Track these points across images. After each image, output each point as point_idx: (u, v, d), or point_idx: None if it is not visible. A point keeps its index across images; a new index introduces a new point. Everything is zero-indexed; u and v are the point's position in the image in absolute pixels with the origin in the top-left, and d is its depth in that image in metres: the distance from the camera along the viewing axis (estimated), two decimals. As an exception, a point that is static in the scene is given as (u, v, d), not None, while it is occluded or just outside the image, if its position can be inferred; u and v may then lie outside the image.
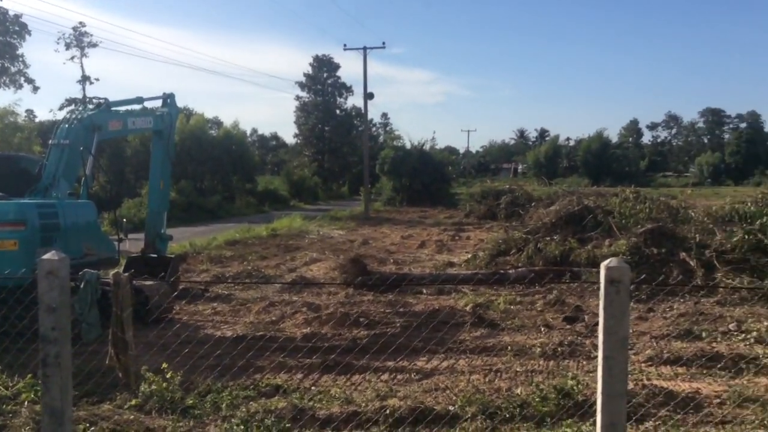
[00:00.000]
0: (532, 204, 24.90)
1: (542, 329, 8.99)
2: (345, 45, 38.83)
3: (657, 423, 4.96)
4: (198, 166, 42.95)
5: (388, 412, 5.50)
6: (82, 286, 6.94)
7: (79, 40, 53.09)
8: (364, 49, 37.39)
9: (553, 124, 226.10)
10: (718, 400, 5.65)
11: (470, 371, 7.08)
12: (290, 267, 15.37)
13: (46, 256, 3.35)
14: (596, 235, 15.18)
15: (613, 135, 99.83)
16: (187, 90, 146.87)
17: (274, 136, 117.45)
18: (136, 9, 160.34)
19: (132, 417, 5.51)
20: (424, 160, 44.77)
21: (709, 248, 12.73)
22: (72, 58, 53.72)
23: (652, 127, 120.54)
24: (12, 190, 9.26)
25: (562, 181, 68.93)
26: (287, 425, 5.27)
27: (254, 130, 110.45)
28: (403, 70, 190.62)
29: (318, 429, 5.31)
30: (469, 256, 16.21)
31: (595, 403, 2.87)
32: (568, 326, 9.16)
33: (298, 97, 69.47)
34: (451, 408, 5.57)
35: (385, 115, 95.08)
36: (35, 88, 50.75)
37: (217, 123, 69.73)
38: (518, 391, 5.95)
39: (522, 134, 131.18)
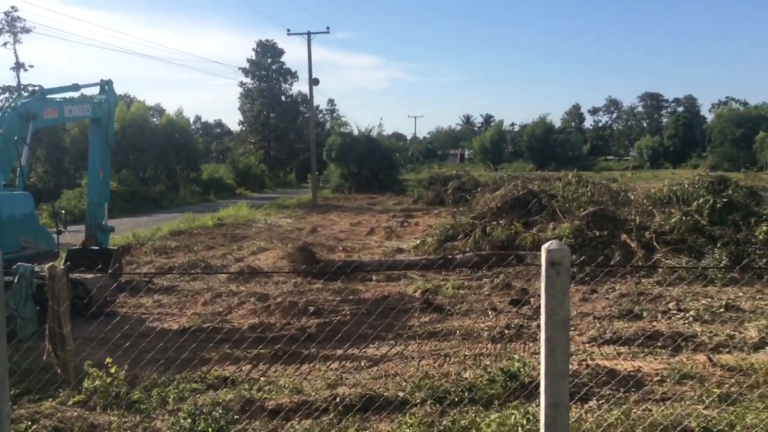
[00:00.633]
0: (479, 189, 25.24)
1: (490, 313, 9.11)
2: (288, 30, 38.45)
3: (600, 402, 5.09)
4: (140, 155, 41.92)
5: (337, 400, 5.49)
6: (16, 280, 6.69)
7: (12, 26, 50.69)
8: (308, 34, 37.06)
9: (498, 110, 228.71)
10: (659, 378, 5.84)
11: (419, 356, 7.12)
12: (237, 257, 15.16)
13: (-26, 252, 3.20)
14: (541, 218, 15.47)
15: (556, 120, 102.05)
16: (127, 76, 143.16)
17: (219, 124, 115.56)
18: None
19: (75, 413, 5.36)
20: (372, 146, 44.72)
21: (649, 230, 13.12)
22: (4, 44, 51.35)
23: (594, 111, 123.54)
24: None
25: (508, 166, 69.99)
26: (235, 417, 5.20)
27: (198, 118, 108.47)
28: (348, 56, 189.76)
29: (267, 419, 5.26)
30: (418, 242, 16.30)
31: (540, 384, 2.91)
32: (514, 309, 9.30)
33: (242, 84, 68.37)
34: (400, 394, 5.59)
35: (331, 101, 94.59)
36: (-35, 76, 48.53)
37: (159, 110, 68.26)
38: (466, 374, 6.02)
39: (468, 120, 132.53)
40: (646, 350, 7.00)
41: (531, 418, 4.64)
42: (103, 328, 7.61)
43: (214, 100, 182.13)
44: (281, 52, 68.19)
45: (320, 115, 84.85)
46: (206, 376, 6.48)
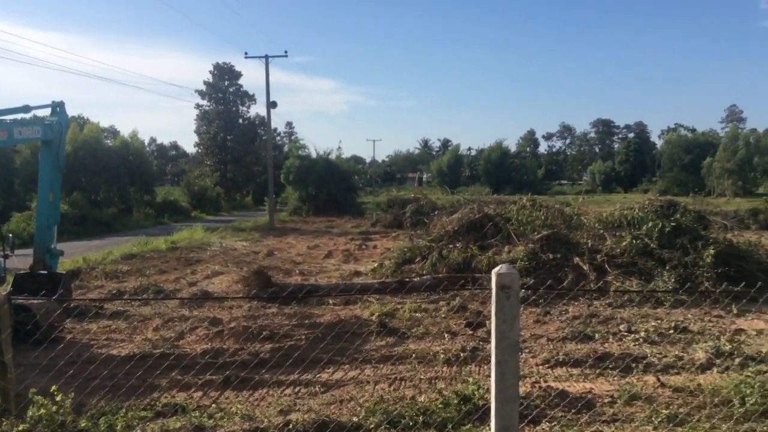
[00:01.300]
0: (436, 212, 25.40)
1: (446, 336, 9.13)
2: (246, 53, 38.32)
3: (552, 424, 5.13)
4: (92, 177, 41.08)
5: (290, 426, 5.41)
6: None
7: (-40, 45, 49.43)
8: (266, 57, 36.99)
9: (456, 134, 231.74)
10: (609, 399, 5.92)
11: (375, 381, 7.08)
12: (191, 281, 14.90)
13: None
14: (496, 241, 15.65)
15: (512, 145, 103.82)
16: (81, 99, 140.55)
17: (174, 146, 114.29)
18: (24, 14, 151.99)
19: (18, 444, 5.15)
20: (330, 169, 44.68)
21: (601, 253, 13.39)
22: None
23: (548, 137, 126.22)
24: None
25: (465, 189, 70.75)
26: (185, 446, 5.07)
27: (153, 140, 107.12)
28: (307, 79, 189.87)
29: (218, 448, 5.15)
30: (376, 265, 16.29)
31: (491, 407, 2.92)
32: (470, 332, 9.34)
33: (198, 106, 67.85)
34: (354, 419, 5.54)
35: (289, 124, 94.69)
36: None
37: (113, 132, 67.18)
38: (421, 398, 6.01)
39: (426, 144, 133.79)
40: (597, 371, 7.10)
41: (484, 441, 4.65)
42: (48, 355, 7.36)
43: (170, 122, 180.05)
44: (239, 75, 68.09)
45: (278, 138, 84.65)
46: (155, 403, 6.31)
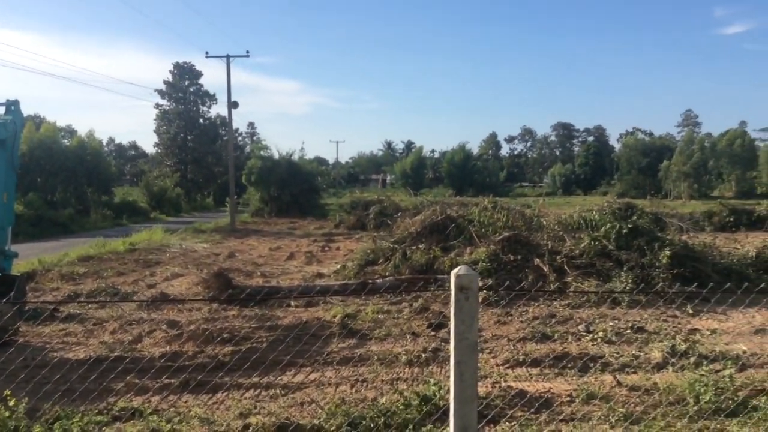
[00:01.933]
0: (399, 214, 25.49)
1: (408, 337, 9.15)
2: (207, 53, 37.88)
3: (511, 423, 5.18)
4: (49, 178, 40.13)
5: (250, 430, 5.35)
6: None
7: None
8: (228, 57, 36.63)
9: (419, 137, 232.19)
10: (568, 398, 6.00)
11: (337, 383, 7.05)
12: (149, 283, 14.64)
13: None
14: (459, 243, 15.77)
15: (474, 147, 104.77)
16: (36, 97, 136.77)
17: (133, 146, 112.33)
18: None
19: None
20: (293, 170, 44.44)
21: (560, 254, 13.58)
22: None
23: (510, 140, 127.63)
24: None
25: (428, 191, 71.26)
26: (142, 451, 4.97)
27: (111, 140, 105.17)
28: (269, 80, 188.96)
29: (176, 452, 5.06)
30: (339, 266, 16.25)
31: (451, 408, 2.92)
32: (432, 333, 9.38)
33: (158, 105, 66.83)
34: (315, 421, 5.51)
35: (251, 125, 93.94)
36: None
37: (70, 132, 65.69)
38: (383, 399, 6.00)
39: (389, 146, 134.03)
40: (556, 371, 7.20)
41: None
42: (6, 359, 7.14)
43: (129, 122, 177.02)
44: (199, 75, 67.29)
45: (240, 139, 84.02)
46: (112, 407, 6.17)
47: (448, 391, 5.78)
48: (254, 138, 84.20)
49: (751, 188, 79.30)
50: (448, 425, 3.01)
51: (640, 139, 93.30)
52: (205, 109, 68.62)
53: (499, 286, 12.16)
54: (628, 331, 9.23)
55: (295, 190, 43.66)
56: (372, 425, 5.31)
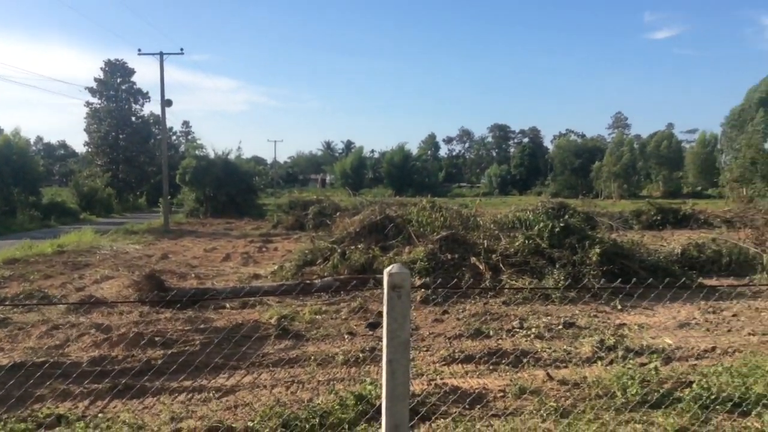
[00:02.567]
0: (338, 214, 25.44)
1: (346, 337, 9.12)
2: (140, 50, 36.87)
3: (446, 419, 5.22)
4: (-29, 178, 38.26)
5: (182, 434, 5.21)
6: None
7: None
8: (161, 54, 35.77)
9: (359, 137, 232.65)
10: (502, 394, 6.10)
11: (273, 384, 6.95)
12: (78, 286, 14.11)
13: None
14: (397, 242, 15.85)
15: (414, 148, 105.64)
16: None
17: (63, 145, 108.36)
18: None
19: None
20: (230, 170, 43.73)
21: (496, 252, 13.81)
22: None
23: (448, 141, 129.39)
24: None
25: (368, 191, 71.41)
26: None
27: (39, 138, 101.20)
28: (205, 78, 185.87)
29: (103, 461, 4.88)
30: (276, 267, 16.06)
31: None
32: (370, 332, 9.37)
33: (88, 104, 64.58)
34: (249, 424, 5.41)
35: (186, 123, 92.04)
36: None
37: (-6, 130, 62.76)
38: (319, 400, 5.95)
39: (329, 146, 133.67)
40: (491, 367, 7.30)
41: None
42: None
43: (58, 120, 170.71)
44: (132, 72, 65.37)
45: (174, 138, 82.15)
46: (37, 414, 5.91)
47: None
48: (189, 137, 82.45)
49: (678, 188, 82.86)
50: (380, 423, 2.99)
51: (572, 141, 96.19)
52: (137, 107, 66.72)
53: (437, 284, 12.27)
54: (560, 326, 9.47)
55: (232, 190, 42.97)
56: (306, 426, 5.25)
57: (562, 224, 14.36)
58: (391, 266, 2.79)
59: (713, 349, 8.22)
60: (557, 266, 13.07)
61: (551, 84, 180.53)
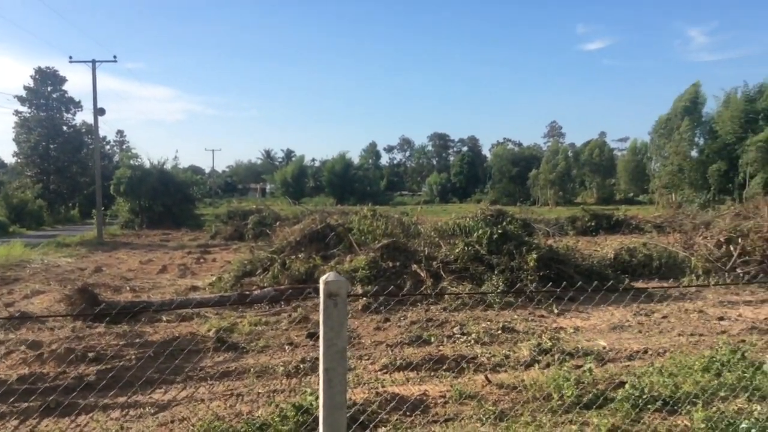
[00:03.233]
0: (278, 223, 25.23)
1: (286, 348, 9.02)
2: (71, 57, 35.74)
3: (387, 428, 5.22)
4: None
5: (115, 453, 5.04)
6: None
7: None
8: (93, 62, 34.82)
9: (299, 145, 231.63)
10: (442, 399, 6.14)
11: (211, 398, 6.80)
12: (7, 301, 13.51)
13: None
14: (339, 251, 15.82)
15: (355, 157, 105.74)
16: None
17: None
18: None
19: None
20: (166, 180, 42.81)
21: (436, 260, 13.96)
22: None
23: (389, 149, 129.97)
24: None
25: (309, 200, 71.06)
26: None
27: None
28: (140, 86, 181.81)
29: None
30: (214, 278, 15.78)
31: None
32: (312, 343, 9.30)
33: (17, 112, 62.18)
34: (187, 439, 5.29)
35: (120, 133, 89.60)
36: None
37: None
38: (259, 412, 5.86)
39: (269, 154, 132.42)
40: (432, 374, 7.35)
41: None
42: None
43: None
44: (63, 80, 63.32)
45: (108, 147, 79.92)
46: (-41, 439, 5.63)
47: (325, 399, 5.76)
48: (124, 146, 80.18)
49: (611, 194, 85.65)
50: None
51: (509, 149, 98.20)
52: (69, 116, 64.62)
53: (375, 292, 12.29)
54: (499, 331, 9.62)
55: (168, 200, 42.08)
56: (246, 439, 5.17)
57: (500, 231, 14.62)
58: (327, 275, 2.78)
59: (645, 350, 8.51)
60: (496, 272, 13.30)
61: (489, 94, 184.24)
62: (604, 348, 8.58)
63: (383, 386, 6.76)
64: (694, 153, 59.25)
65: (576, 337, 9.35)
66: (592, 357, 7.69)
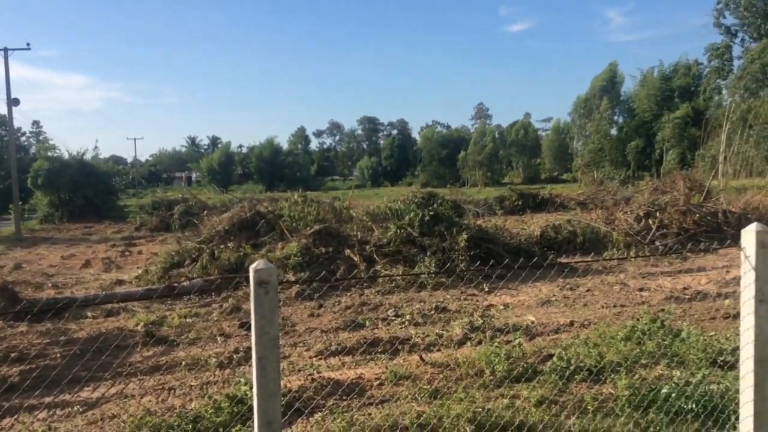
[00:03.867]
0: (206, 213, 24.75)
1: (219, 339, 8.89)
2: (-20, 45, 33.78)
3: (324, 413, 5.23)
4: None
5: (42, 455, 4.86)
6: None
7: None
8: (5, 50, 33.09)
9: (226, 132, 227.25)
10: (378, 382, 6.20)
11: (142, 394, 6.64)
12: None
13: None
14: (270, 239, 15.67)
15: (284, 142, 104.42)
16: None
17: None
18: None
19: None
20: (86, 171, 41.21)
21: (369, 244, 14.03)
22: None
23: (318, 134, 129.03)
24: None
25: (238, 188, 69.91)
26: None
27: None
28: (55, 75, 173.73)
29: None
30: (141, 271, 15.34)
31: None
32: (245, 333, 9.19)
33: None
34: (118, 437, 5.15)
35: (36, 123, 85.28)
36: None
37: None
38: (192, 405, 5.76)
39: (194, 142, 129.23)
40: (367, 357, 7.40)
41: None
42: None
43: None
44: (-29, 68, 59.76)
45: (23, 139, 76.03)
46: None
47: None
48: (40, 138, 76.52)
49: (537, 174, 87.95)
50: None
51: (438, 132, 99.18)
52: (-22, 107, 61.28)
53: (307, 278, 12.26)
54: (433, 312, 9.77)
55: (89, 192, 40.54)
56: (179, 433, 5.07)
57: (431, 213, 14.81)
58: (257, 262, 2.75)
59: (571, 323, 8.82)
60: (428, 253, 13.47)
61: (417, 77, 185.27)
62: (533, 323, 8.85)
63: (318, 372, 6.75)
64: (613, 131, 61.45)
65: (506, 314, 9.60)
66: (522, 332, 7.91)
